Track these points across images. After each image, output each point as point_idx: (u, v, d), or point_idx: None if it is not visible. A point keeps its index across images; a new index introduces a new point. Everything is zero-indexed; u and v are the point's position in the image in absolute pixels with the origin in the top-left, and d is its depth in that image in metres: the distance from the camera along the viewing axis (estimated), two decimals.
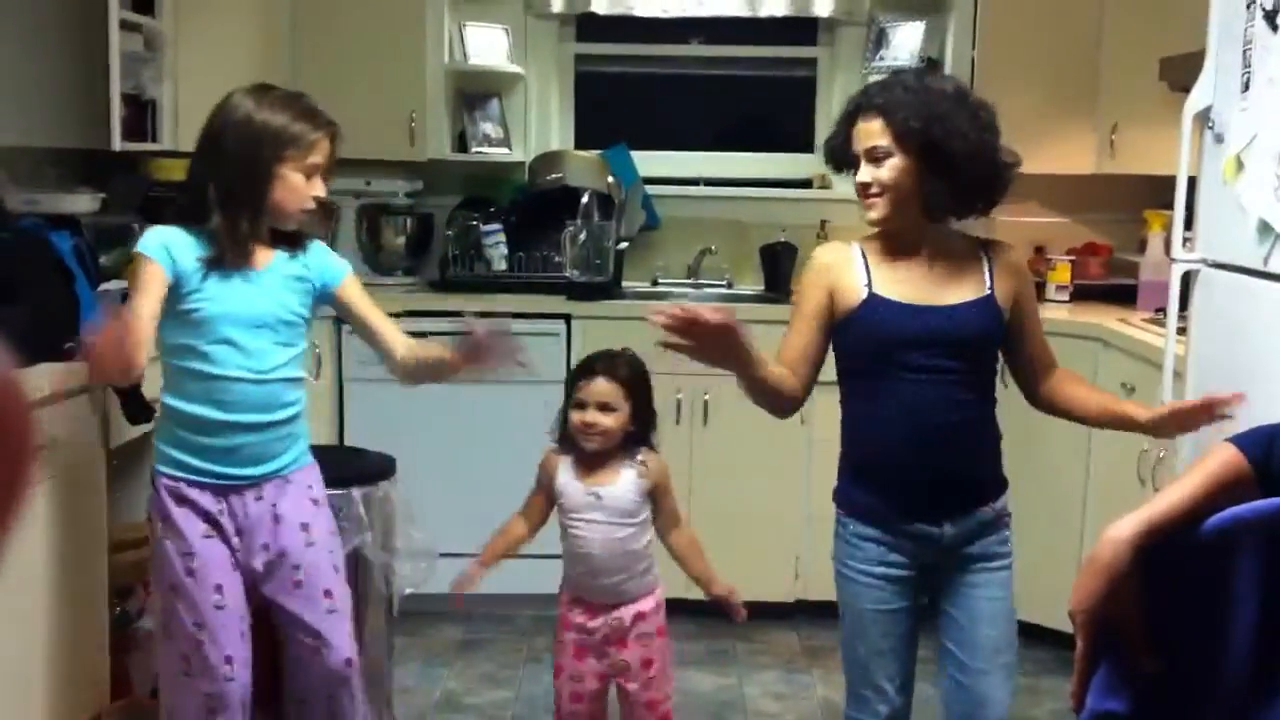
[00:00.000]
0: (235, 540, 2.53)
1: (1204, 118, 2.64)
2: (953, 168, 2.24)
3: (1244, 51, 2.46)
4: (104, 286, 3.26)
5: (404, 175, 4.52)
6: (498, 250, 4.46)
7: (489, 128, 4.66)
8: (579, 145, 4.77)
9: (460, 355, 2.57)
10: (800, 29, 4.82)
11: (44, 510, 2.63)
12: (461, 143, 4.62)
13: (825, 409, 4.06)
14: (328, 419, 4.04)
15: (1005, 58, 4.26)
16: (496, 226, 4.48)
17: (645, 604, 2.76)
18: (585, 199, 4.34)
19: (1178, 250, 2.75)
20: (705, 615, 3.08)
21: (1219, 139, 2.58)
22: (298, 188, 2.49)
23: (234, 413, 2.48)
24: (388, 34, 4.27)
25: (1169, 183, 2.78)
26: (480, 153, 4.61)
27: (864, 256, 2.36)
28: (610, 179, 4.45)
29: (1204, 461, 1.43)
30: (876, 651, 2.38)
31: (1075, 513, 3.82)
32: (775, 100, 5.01)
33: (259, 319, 2.50)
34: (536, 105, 4.77)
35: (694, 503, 3.79)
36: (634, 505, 2.72)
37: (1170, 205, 2.79)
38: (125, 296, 2.55)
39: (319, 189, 2.54)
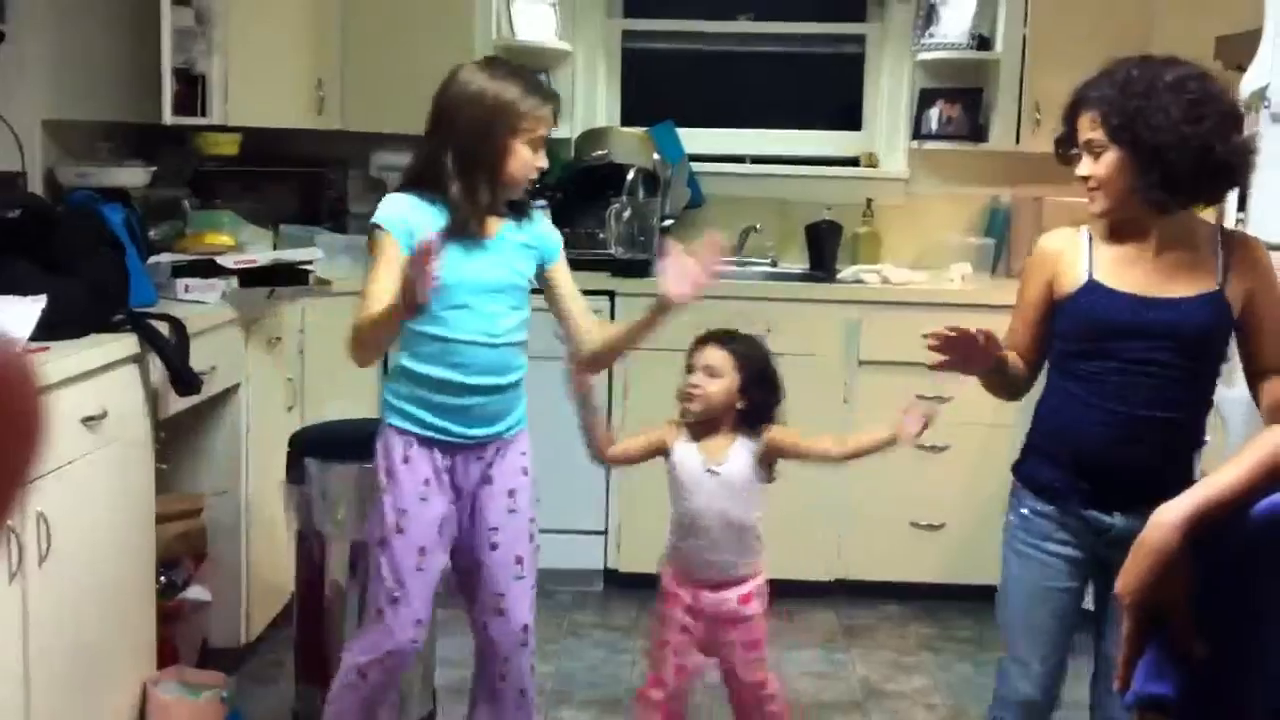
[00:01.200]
0: (452, 500, 2.60)
1: (1260, 96, 2.60)
2: (1161, 160, 2.19)
3: None
4: (154, 259, 3.30)
5: None
6: None
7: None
8: (625, 122, 4.75)
9: (660, 298, 2.53)
10: (849, 5, 4.78)
11: (93, 481, 2.66)
12: None
13: (866, 389, 4.08)
14: (370, 396, 4.06)
15: (1057, 36, 4.21)
16: (542, 203, 4.47)
17: (751, 585, 2.77)
18: (630, 176, 4.33)
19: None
20: None
21: (1275, 118, 2.54)
22: (527, 159, 2.55)
23: (469, 375, 2.55)
24: (436, 9, 4.27)
25: None
26: None
27: (1090, 241, 2.35)
28: (656, 156, 4.44)
29: (1254, 446, 1.41)
30: (1029, 628, 2.40)
31: None
32: (823, 77, 4.97)
33: (493, 284, 2.56)
34: (583, 81, 4.76)
35: None
36: (748, 480, 2.73)
37: None
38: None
39: (543, 160, 2.60)
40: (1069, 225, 2.41)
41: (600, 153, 4.49)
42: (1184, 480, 2.32)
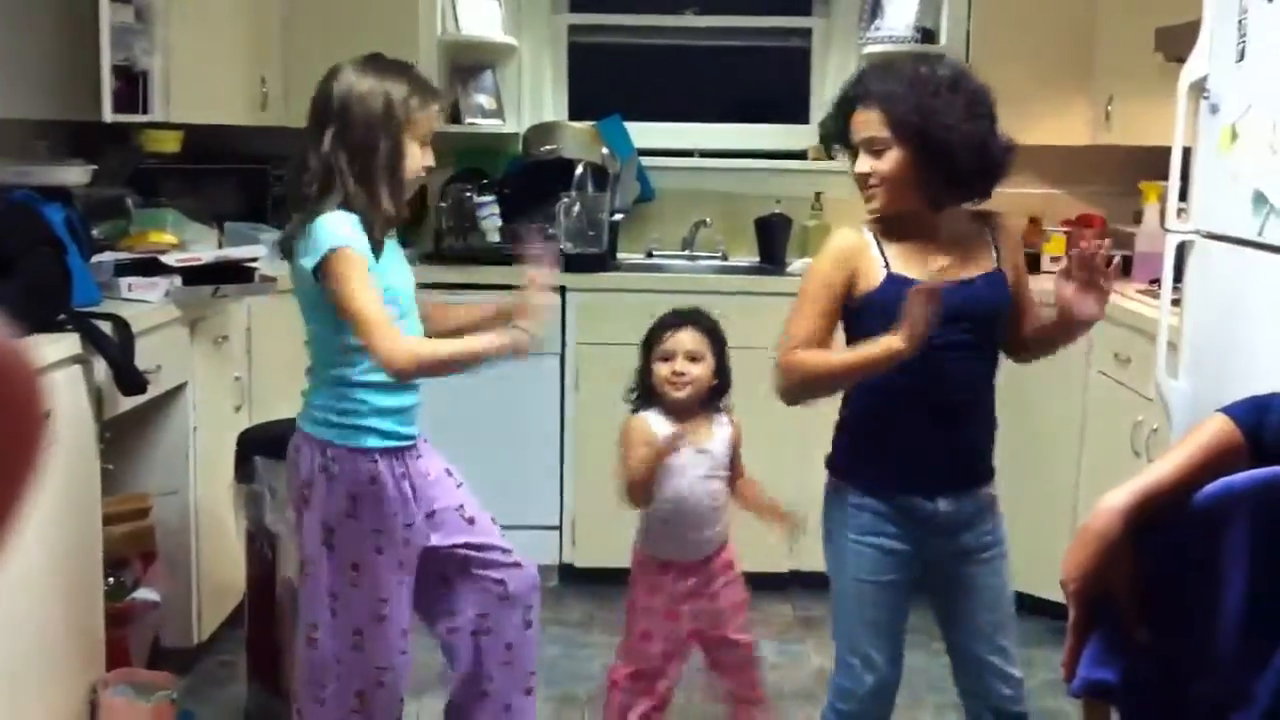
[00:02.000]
0: (413, 504, 2.56)
1: (1199, 88, 2.63)
2: (948, 159, 2.24)
3: (1239, 21, 2.45)
4: (97, 258, 3.26)
5: None
6: (491, 222, 4.45)
7: (482, 99, 4.64)
8: (573, 117, 4.74)
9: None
10: None
11: (38, 482, 2.62)
12: (455, 114, 4.60)
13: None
14: None
15: (1001, 29, 4.25)
16: (490, 198, 4.47)
17: (729, 551, 2.82)
18: (579, 171, 4.33)
19: (1172, 221, 2.75)
20: None
21: (1214, 109, 2.57)
22: (416, 157, 2.53)
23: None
24: (381, 5, 4.24)
25: (1165, 154, 2.77)
26: (474, 124, 4.59)
27: (876, 240, 2.35)
28: (604, 150, 4.44)
29: (1196, 432, 1.43)
30: (866, 621, 2.40)
31: (1069, 483, 3.84)
32: (770, 71, 4.99)
33: (410, 290, 2.59)
34: (530, 76, 4.75)
35: None
36: (725, 457, 2.79)
37: (1166, 177, 2.78)
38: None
39: (430, 159, 2.57)
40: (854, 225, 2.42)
41: (549, 148, 4.48)
42: (987, 460, 2.43)
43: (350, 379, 2.50)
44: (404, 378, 2.44)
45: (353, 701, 2.58)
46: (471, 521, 2.66)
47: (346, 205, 2.44)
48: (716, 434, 2.78)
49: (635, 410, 2.81)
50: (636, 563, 2.85)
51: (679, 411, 2.75)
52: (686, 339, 2.74)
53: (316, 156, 2.47)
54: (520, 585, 2.70)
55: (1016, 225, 2.46)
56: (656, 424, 2.75)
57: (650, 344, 2.79)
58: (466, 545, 2.65)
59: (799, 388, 2.32)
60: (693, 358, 2.73)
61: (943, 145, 2.22)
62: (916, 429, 2.33)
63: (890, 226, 2.35)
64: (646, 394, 2.79)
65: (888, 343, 2.17)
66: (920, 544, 2.38)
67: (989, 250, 2.37)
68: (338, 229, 2.40)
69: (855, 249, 2.34)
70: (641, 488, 2.72)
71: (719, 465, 2.78)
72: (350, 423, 2.50)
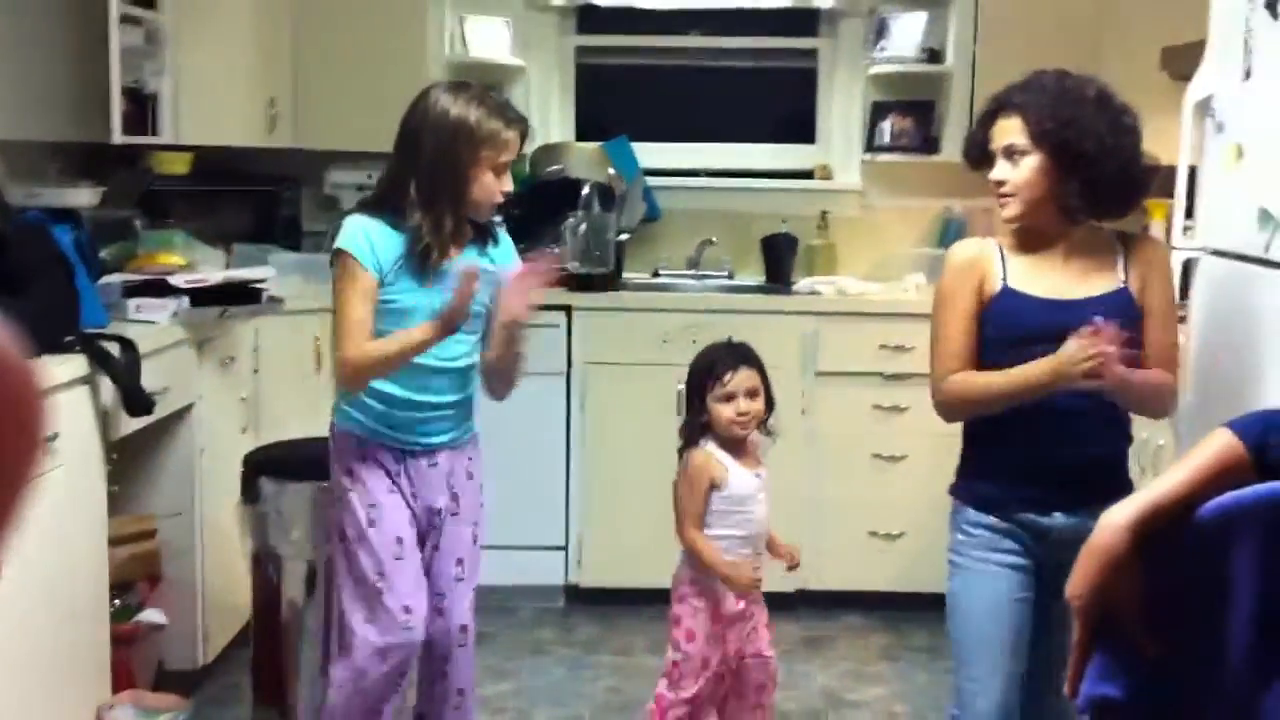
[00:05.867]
0: (412, 500, 2.64)
1: (1205, 107, 2.63)
2: (1086, 169, 2.24)
3: (1245, 40, 2.46)
4: (105, 279, 3.27)
5: None
6: None
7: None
8: (580, 137, 4.76)
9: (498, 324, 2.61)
10: (801, 20, 4.81)
11: (44, 503, 2.63)
12: None
13: (825, 399, 4.10)
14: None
15: (1006, 49, 4.24)
16: (498, 219, 4.47)
17: (760, 572, 2.83)
18: (586, 190, 4.34)
19: (1178, 238, 2.75)
20: None
21: (1220, 128, 2.57)
22: (491, 185, 2.54)
23: (422, 394, 2.59)
24: (389, 27, 4.27)
25: (1171, 172, 2.77)
26: None
27: (1000, 251, 2.37)
28: (611, 171, 4.45)
29: (1201, 446, 1.42)
30: (983, 642, 2.36)
31: None
32: (776, 91, 5.00)
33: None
34: (537, 97, 4.76)
35: None
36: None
37: (1172, 194, 2.78)
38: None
39: (508, 185, 2.59)
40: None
41: (555, 168, 4.49)
42: (1116, 475, 2.36)
43: None
44: (350, 384, 2.55)
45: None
46: (436, 549, 2.69)
47: (397, 219, 2.52)
48: (763, 460, 2.83)
49: (685, 445, 2.81)
50: (685, 594, 2.80)
51: (735, 446, 2.78)
52: (746, 378, 2.75)
53: (387, 170, 2.61)
54: (439, 635, 2.72)
55: (1155, 246, 2.41)
56: (719, 457, 2.77)
57: (704, 384, 2.78)
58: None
59: (961, 413, 2.39)
60: (753, 395, 2.75)
61: (1080, 154, 2.23)
62: (1026, 444, 2.31)
63: (1024, 239, 2.37)
64: (702, 430, 2.79)
65: (1055, 367, 2.19)
66: (1039, 561, 2.34)
67: (1116, 268, 2.34)
68: (349, 232, 2.52)
69: (976, 257, 2.38)
70: (701, 520, 2.75)
71: (767, 486, 2.82)
72: (344, 404, 2.64)
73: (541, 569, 4.18)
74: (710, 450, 2.77)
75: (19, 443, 0.81)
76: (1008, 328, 2.31)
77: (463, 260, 2.57)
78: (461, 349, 2.61)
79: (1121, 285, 2.33)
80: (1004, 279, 2.34)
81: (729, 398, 2.74)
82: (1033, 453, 2.32)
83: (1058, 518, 2.32)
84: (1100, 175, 2.24)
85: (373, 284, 2.51)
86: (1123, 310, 2.29)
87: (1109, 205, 2.33)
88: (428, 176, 2.51)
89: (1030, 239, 2.36)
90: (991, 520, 2.37)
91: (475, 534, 2.75)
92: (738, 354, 2.79)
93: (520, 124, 2.59)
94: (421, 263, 2.52)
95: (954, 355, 2.35)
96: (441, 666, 2.73)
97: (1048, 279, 2.33)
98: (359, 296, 2.49)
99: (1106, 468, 2.35)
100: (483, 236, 2.65)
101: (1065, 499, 2.31)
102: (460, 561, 2.71)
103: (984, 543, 2.37)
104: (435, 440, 2.65)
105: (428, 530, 2.69)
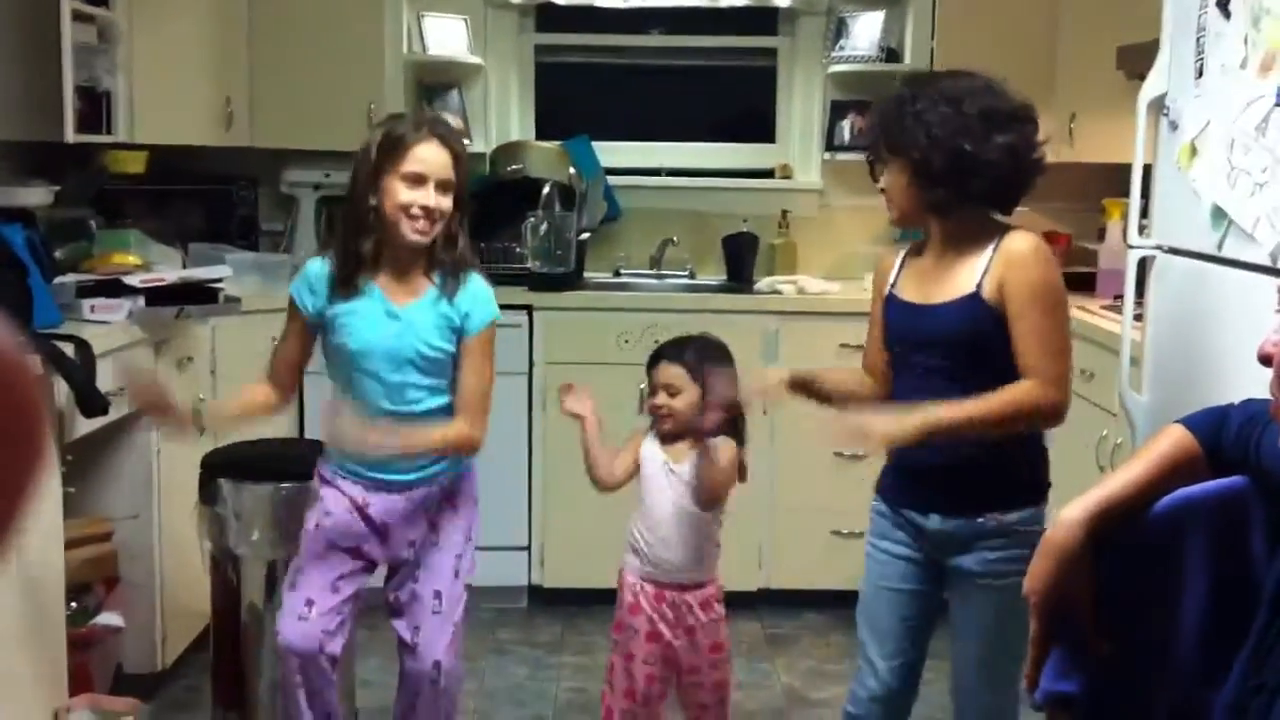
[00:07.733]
0: (379, 529, 2.59)
1: (1159, 105, 2.65)
2: (922, 163, 2.25)
3: (1198, 39, 2.48)
4: (59, 279, 3.23)
5: None
6: None
7: (449, 118, 4.62)
8: (540, 136, 4.74)
9: None
10: (760, 19, 4.81)
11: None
12: None
13: (788, 401, 4.09)
14: (284, 416, 4.01)
15: (964, 48, 4.26)
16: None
17: (710, 590, 2.79)
18: (546, 190, 4.32)
19: (1134, 237, 2.77)
20: None
21: (1174, 126, 2.59)
22: (400, 195, 2.41)
23: None
24: (346, 24, 4.24)
25: (1127, 171, 2.79)
26: None
27: (903, 256, 2.43)
28: (571, 170, 4.44)
29: (1155, 443, 1.44)
30: (871, 626, 2.44)
31: None
32: (736, 90, 5.00)
33: (399, 355, 2.50)
34: (496, 96, 4.75)
35: None
36: (693, 481, 2.73)
37: (1128, 193, 2.80)
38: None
39: (426, 198, 2.43)
40: None
41: (515, 167, 4.48)
42: (1010, 493, 2.30)
43: None
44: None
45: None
46: (413, 580, 2.66)
47: (327, 254, 2.58)
48: (689, 458, 2.75)
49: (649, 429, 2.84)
50: (625, 582, 2.81)
51: (668, 436, 2.78)
52: (664, 373, 2.76)
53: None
54: (412, 670, 2.66)
55: (1022, 243, 2.28)
56: (649, 439, 2.80)
57: (648, 371, 2.84)
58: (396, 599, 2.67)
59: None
60: (671, 391, 2.75)
61: (909, 150, 2.25)
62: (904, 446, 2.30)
63: (923, 241, 2.41)
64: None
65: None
66: (934, 559, 2.37)
67: (974, 272, 2.27)
68: (298, 275, 2.61)
69: (883, 267, 2.47)
70: (596, 477, 2.82)
71: (687, 488, 2.74)
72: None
73: (504, 569, 4.16)
74: (649, 436, 2.81)
75: (23, 451, 0.80)
76: (888, 333, 2.41)
77: (420, 306, 2.52)
78: (419, 394, 2.53)
79: (974, 290, 2.25)
80: (892, 285, 2.41)
81: (653, 390, 2.79)
82: (905, 451, 2.31)
83: (934, 519, 2.34)
84: (933, 166, 2.23)
85: (302, 323, 2.58)
86: (966, 317, 2.25)
87: (960, 194, 2.26)
88: (347, 197, 2.53)
89: (925, 243, 2.41)
90: (885, 509, 2.43)
91: (457, 567, 2.65)
92: (671, 349, 2.80)
93: (437, 131, 2.46)
94: (345, 289, 2.50)
95: (867, 359, 2.50)
96: (413, 700, 2.63)
97: (917, 283, 2.37)
98: (288, 335, 2.63)
99: (984, 469, 2.28)
100: (446, 281, 2.53)
101: (942, 502, 2.32)
102: (438, 595, 2.62)
103: (879, 530, 2.45)
104: (405, 477, 2.58)
105: (401, 562, 2.64)
